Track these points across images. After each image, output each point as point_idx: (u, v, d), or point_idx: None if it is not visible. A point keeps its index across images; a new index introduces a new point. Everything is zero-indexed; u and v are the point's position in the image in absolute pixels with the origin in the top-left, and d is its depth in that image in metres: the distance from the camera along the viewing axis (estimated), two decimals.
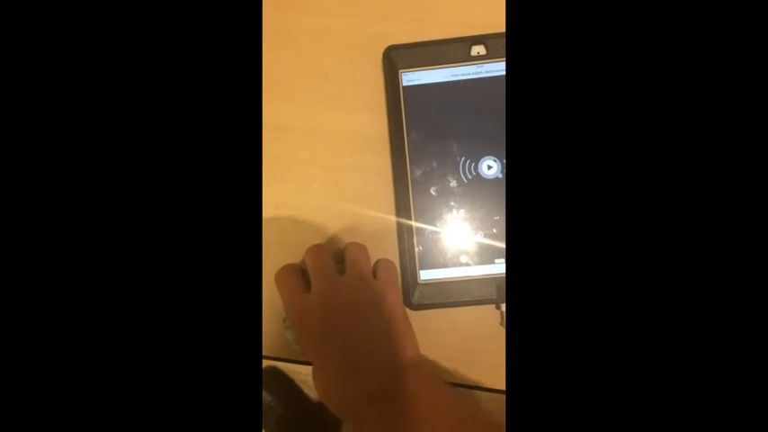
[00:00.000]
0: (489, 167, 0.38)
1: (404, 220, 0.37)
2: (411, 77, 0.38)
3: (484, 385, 0.38)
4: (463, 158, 0.37)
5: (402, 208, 0.37)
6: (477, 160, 0.37)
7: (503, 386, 0.37)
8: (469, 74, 0.38)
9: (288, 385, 0.82)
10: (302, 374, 0.83)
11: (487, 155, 0.37)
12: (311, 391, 0.84)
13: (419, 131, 0.38)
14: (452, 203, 0.37)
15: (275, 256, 0.36)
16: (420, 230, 0.37)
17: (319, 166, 0.39)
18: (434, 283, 0.37)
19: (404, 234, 0.37)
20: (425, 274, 0.37)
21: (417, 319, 0.37)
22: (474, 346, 0.38)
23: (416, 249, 0.37)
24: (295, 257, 0.37)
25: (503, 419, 0.24)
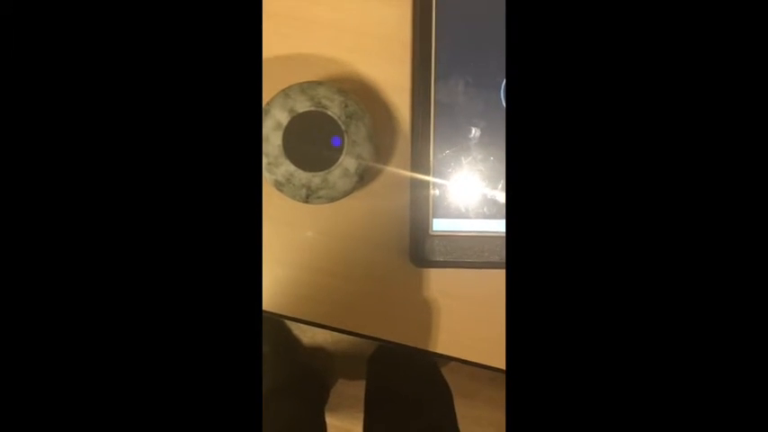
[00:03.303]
0: None
1: (420, 153, 0.29)
2: None
3: (494, 365, 0.31)
4: (506, 78, 0.28)
5: (419, 136, 0.29)
6: None
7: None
8: None
9: (284, 335, 0.77)
10: (298, 325, 0.78)
11: None
12: (309, 341, 0.79)
13: (452, 35, 0.28)
14: (485, 137, 0.29)
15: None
16: (439, 167, 0.29)
17: (321, 68, 0.30)
18: (450, 236, 0.29)
19: (418, 170, 0.29)
20: (440, 224, 0.29)
21: (424, 279, 0.30)
22: (490, 318, 0.30)
23: (431, 191, 0.29)
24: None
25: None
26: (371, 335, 0.31)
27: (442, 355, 0.31)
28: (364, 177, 0.27)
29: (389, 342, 0.31)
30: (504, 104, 0.29)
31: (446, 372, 0.66)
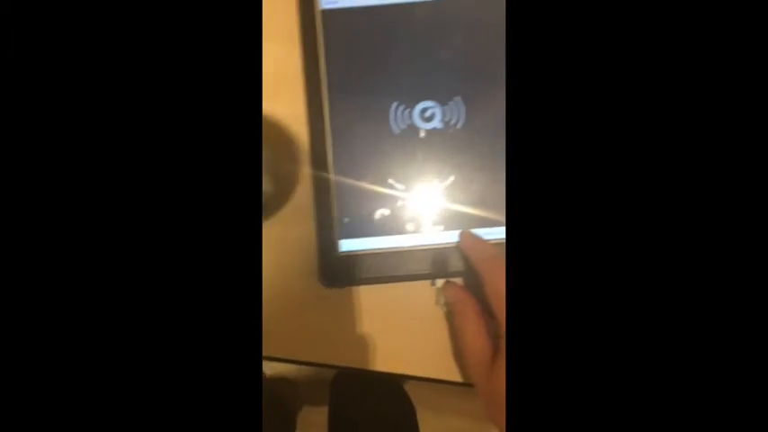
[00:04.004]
0: (427, 115, 0.31)
1: (321, 180, 0.30)
2: None
3: (410, 373, 0.32)
4: (395, 103, 0.30)
5: (318, 164, 0.30)
6: (412, 106, 0.30)
7: (430, 374, 0.32)
8: None
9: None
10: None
11: (425, 99, 0.30)
12: (271, 372, 0.79)
13: (340, 68, 0.30)
14: (379, 159, 0.30)
15: None
16: (340, 192, 0.30)
17: None
18: (357, 256, 0.31)
19: (321, 196, 0.30)
20: (347, 245, 0.31)
21: (335, 298, 0.31)
22: (404, 328, 0.32)
23: (335, 214, 0.30)
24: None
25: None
26: (299, 359, 0.32)
27: (380, 373, 0.32)
28: (267, 208, 0.29)
29: (323, 365, 0.32)
30: (394, 128, 0.31)
31: (410, 388, 0.66)
